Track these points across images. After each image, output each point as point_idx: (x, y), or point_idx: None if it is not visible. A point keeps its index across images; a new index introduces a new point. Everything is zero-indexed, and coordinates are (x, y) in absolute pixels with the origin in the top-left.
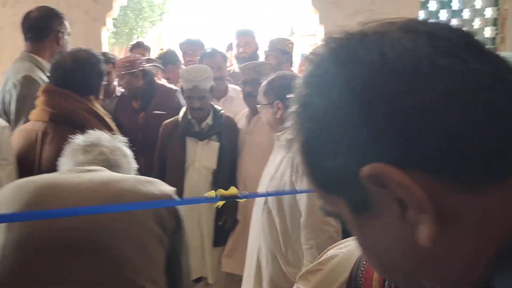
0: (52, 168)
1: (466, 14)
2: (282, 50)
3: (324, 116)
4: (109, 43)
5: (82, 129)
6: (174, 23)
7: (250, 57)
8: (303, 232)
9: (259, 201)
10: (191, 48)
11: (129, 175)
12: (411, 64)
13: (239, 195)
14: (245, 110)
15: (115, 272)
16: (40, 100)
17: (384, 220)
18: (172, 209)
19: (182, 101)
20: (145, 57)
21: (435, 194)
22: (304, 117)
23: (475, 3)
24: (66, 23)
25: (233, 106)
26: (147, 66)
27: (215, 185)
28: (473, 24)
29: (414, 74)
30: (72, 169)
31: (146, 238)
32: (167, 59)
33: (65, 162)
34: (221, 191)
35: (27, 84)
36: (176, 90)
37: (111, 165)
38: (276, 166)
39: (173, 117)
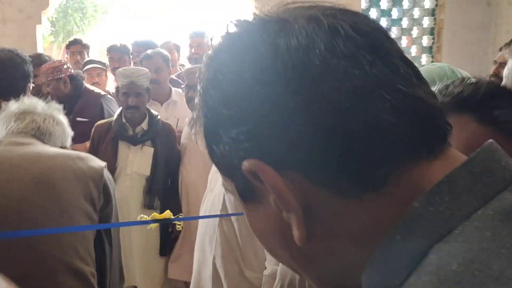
0: None
1: (405, 23)
2: None
3: (214, 105)
4: (47, 42)
5: None
6: (118, 25)
7: (202, 59)
8: None
9: (208, 208)
10: (139, 50)
11: (60, 151)
12: (300, 63)
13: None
14: (189, 115)
15: (42, 250)
16: None
17: (266, 211)
18: (102, 185)
19: (108, 107)
20: (86, 59)
21: (309, 197)
22: (202, 101)
23: (413, 12)
24: None
25: (177, 110)
26: (74, 71)
27: (149, 193)
28: (412, 32)
29: (301, 74)
30: (3, 141)
31: (75, 215)
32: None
33: None
34: (155, 215)
35: None
36: (102, 95)
37: (43, 133)
38: None
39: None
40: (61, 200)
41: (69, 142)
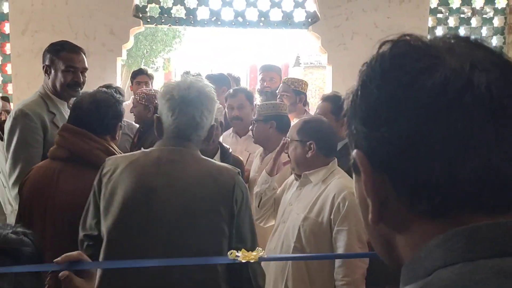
0: (66, 205)
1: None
2: (295, 91)
3: (362, 102)
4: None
5: (97, 168)
6: (185, 49)
7: (273, 92)
8: (339, 268)
9: (281, 239)
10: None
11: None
12: (445, 102)
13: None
14: (260, 148)
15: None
16: (58, 139)
17: (360, 186)
18: (240, 191)
19: None
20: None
21: (389, 198)
22: (358, 95)
23: (482, 31)
24: (63, 59)
25: (252, 144)
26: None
27: None
28: (481, 31)
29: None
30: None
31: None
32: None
33: None
34: (244, 251)
35: (18, 118)
36: None
37: None
38: (308, 205)
39: None
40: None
41: None
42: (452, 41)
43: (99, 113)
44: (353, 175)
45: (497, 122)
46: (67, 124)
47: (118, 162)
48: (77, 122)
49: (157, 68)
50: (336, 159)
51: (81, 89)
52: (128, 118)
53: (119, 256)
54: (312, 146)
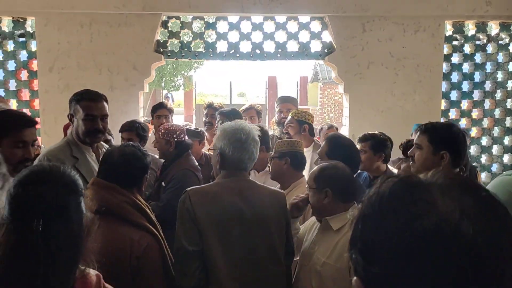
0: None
1: (487, 86)
2: (299, 120)
3: (365, 231)
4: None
5: (125, 221)
6: (206, 66)
7: None
8: None
9: (300, 279)
10: (224, 119)
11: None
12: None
13: None
14: (278, 185)
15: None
16: (88, 192)
17: None
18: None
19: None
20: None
21: None
22: (361, 223)
23: (497, 75)
24: (82, 107)
25: (269, 180)
26: (186, 138)
27: None
28: (495, 95)
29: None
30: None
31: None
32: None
33: None
34: None
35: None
36: (186, 168)
37: None
38: (328, 250)
39: None
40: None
41: None
42: (448, 182)
43: (126, 167)
44: None
45: (478, 273)
46: (97, 179)
47: (201, 193)
48: (106, 175)
49: (177, 86)
50: (355, 203)
51: (103, 134)
52: (151, 151)
53: (221, 260)
54: (328, 193)
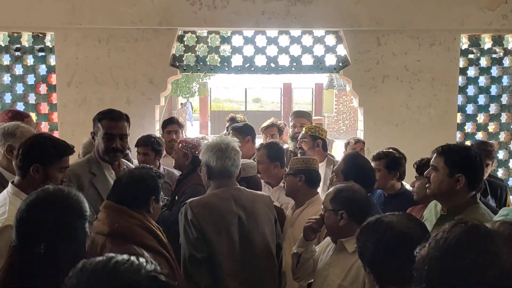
0: None
1: (504, 99)
2: (312, 136)
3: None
4: None
5: (136, 243)
6: (222, 76)
7: None
8: None
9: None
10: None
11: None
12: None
13: None
14: (292, 202)
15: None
16: (101, 215)
17: None
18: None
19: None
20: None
21: None
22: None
23: None
24: (102, 126)
25: (283, 196)
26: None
27: None
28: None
29: None
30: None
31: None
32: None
33: None
34: None
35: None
36: (195, 184)
37: None
38: (343, 272)
39: None
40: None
41: None
42: None
43: (133, 188)
44: None
45: None
46: (108, 201)
47: (202, 205)
48: (116, 197)
49: (193, 93)
50: None
51: (122, 153)
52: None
53: (225, 261)
54: (343, 215)
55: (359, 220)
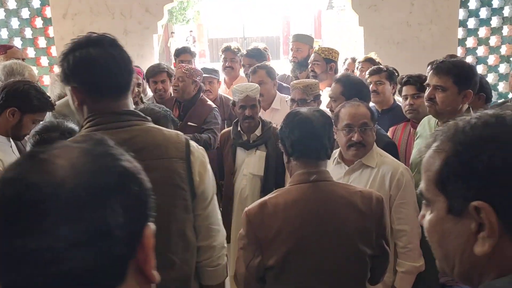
0: None
1: (506, 11)
2: (326, 59)
3: (481, 162)
4: None
5: None
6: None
7: (299, 63)
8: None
9: None
10: (249, 62)
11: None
12: None
13: None
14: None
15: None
16: None
17: (460, 226)
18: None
19: (214, 118)
20: (204, 67)
21: (503, 239)
22: (474, 156)
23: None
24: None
25: (277, 116)
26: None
27: (264, 191)
28: None
29: None
30: None
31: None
32: (255, 55)
33: None
34: None
35: None
36: (212, 108)
37: None
38: (367, 186)
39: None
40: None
41: None
42: None
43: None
44: (441, 214)
45: None
46: None
47: None
48: None
49: (188, 20)
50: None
51: None
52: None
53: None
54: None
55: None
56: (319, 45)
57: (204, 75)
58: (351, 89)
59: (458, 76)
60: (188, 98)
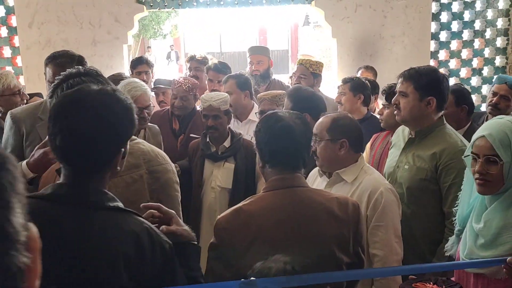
0: None
1: (477, 25)
2: (314, 73)
3: None
4: None
5: None
6: (192, 13)
7: (262, 75)
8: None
9: None
10: (215, 76)
11: None
12: None
13: None
14: None
15: None
16: None
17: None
18: None
19: None
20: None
21: None
22: None
23: (487, 13)
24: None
25: (253, 128)
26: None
27: (232, 204)
28: (485, 34)
29: None
30: None
31: None
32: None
33: None
34: None
35: None
36: None
37: None
38: None
39: None
40: None
41: None
42: None
43: None
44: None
45: None
46: None
47: None
48: None
49: (165, 35)
50: (362, 154)
51: None
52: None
53: None
54: (344, 144)
55: (356, 150)
56: (304, 58)
57: (158, 85)
58: (299, 102)
59: (419, 82)
60: (189, 110)
